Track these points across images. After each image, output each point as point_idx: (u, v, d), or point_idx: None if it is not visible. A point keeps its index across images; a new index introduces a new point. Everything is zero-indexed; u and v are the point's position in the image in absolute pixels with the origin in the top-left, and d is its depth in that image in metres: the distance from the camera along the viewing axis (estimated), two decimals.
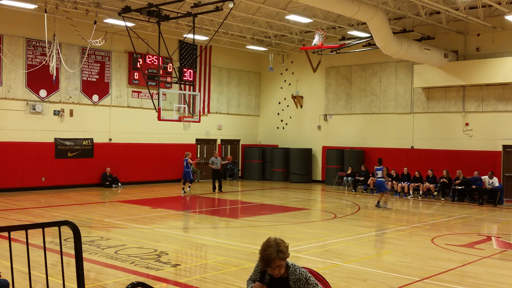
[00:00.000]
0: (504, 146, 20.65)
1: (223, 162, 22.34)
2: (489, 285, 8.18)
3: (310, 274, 3.96)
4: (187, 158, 20.65)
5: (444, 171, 20.61)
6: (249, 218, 15.50)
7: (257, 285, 3.95)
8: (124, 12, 18.43)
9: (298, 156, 26.50)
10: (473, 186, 19.42)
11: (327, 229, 13.66)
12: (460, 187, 19.89)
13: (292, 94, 27.80)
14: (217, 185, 21.48)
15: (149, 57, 23.24)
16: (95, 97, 22.22)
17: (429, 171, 21.13)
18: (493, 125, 21.03)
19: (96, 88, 22.25)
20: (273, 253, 3.77)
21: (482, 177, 19.52)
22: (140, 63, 22.91)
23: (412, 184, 21.24)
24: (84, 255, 8.74)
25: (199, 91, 25.76)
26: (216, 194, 20.76)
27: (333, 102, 26.34)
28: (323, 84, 26.72)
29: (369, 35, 20.49)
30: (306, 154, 26.71)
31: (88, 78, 22.01)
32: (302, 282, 3.88)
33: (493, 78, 20.41)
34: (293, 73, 27.92)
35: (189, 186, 20.90)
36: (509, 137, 20.53)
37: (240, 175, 28.06)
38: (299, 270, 3.93)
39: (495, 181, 19.24)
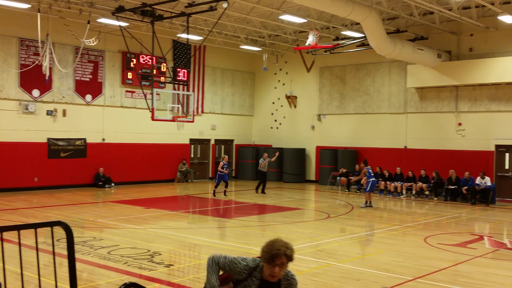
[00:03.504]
0: (497, 146, 20.75)
1: (273, 160, 21.56)
2: (481, 284, 8.22)
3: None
4: (223, 161, 19.83)
5: (433, 172, 20.69)
6: (243, 218, 15.50)
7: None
8: (118, 11, 18.38)
9: (291, 156, 26.53)
10: (465, 187, 19.48)
11: (320, 229, 13.68)
12: (452, 187, 19.99)
13: (286, 94, 27.82)
14: (261, 187, 21.08)
15: (142, 57, 23.16)
16: (88, 97, 22.15)
17: (421, 171, 21.21)
18: (486, 125, 21.13)
19: (89, 88, 22.17)
20: (282, 247, 3.56)
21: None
22: (134, 62, 22.84)
23: (405, 184, 21.31)
24: (77, 255, 8.72)
25: (193, 91, 25.73)
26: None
27: (327, 102, 26.38)
28: (317, 84, 26.76)
29: (362, 35, 20.53)
30: (300, 154, 26.73)
31: (81, 78, 21.94)
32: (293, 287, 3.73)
33: (486, 78, 20.51)
34: (287, 73, 27.95)
35: (225, 190, 19.92)
36: (502, 137, 20.63)
37: (234, 175, 28.03)
38: (291, 274, 3.75)
39: (487, 181, 19.33)
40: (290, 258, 3.60)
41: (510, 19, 18.70)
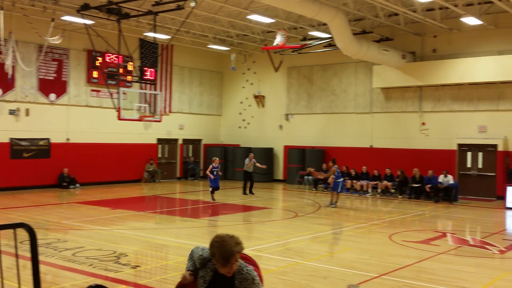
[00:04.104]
0: (459, 145, 21.25)
1: (258, 165, 21.08)
2: (444, 281, 8.42)
3: (256, 273, 3.67)
4: (212, 163, 18.40)
5: (398, 171, 21.06)
6: (211, 217, 15.48)
7: (188, 274, 3.76)
8: (83, 9, 18.08)
9: (260, 155, 26.47)
10: (428, 185, 19.84)
11: (288, 227, 13.76)
12: (416, 185, 20.39)
13: (254, 94, 27.87)
14: (248, 186, 20.76)
15: (108, 56, 22.76)
16: (52, 96, 21.72)
17: (387, 169, 21.58)
18: (449, 125, 21.63)
19: (53, 86, 21.73)
20: (233, 246, 3.49)
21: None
22: (100, 61, 22.47)
23: (371, 182, 21.64)
24: (41, 258, 8.53)
25: (161, 90, 25.51)
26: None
27: (294, 101, 26.55)
28: (284, 83, 26.89)
29: (329, 36, 20.73)
30: (268, 153, 26.81)
31: (45, 77, 21.48)
32: (248, 282, 3.60)
33: (448, 79, 21.00)
34: (255, 73, 27.99)
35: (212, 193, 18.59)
36: (464, 136, 21.16)
37: (201, 174, 27.92)
38: (246, 269, 3.64)
39: (450, 179, 19.79)
40: (242, 250, 3.58)
41: (472, 20, 19.18)
